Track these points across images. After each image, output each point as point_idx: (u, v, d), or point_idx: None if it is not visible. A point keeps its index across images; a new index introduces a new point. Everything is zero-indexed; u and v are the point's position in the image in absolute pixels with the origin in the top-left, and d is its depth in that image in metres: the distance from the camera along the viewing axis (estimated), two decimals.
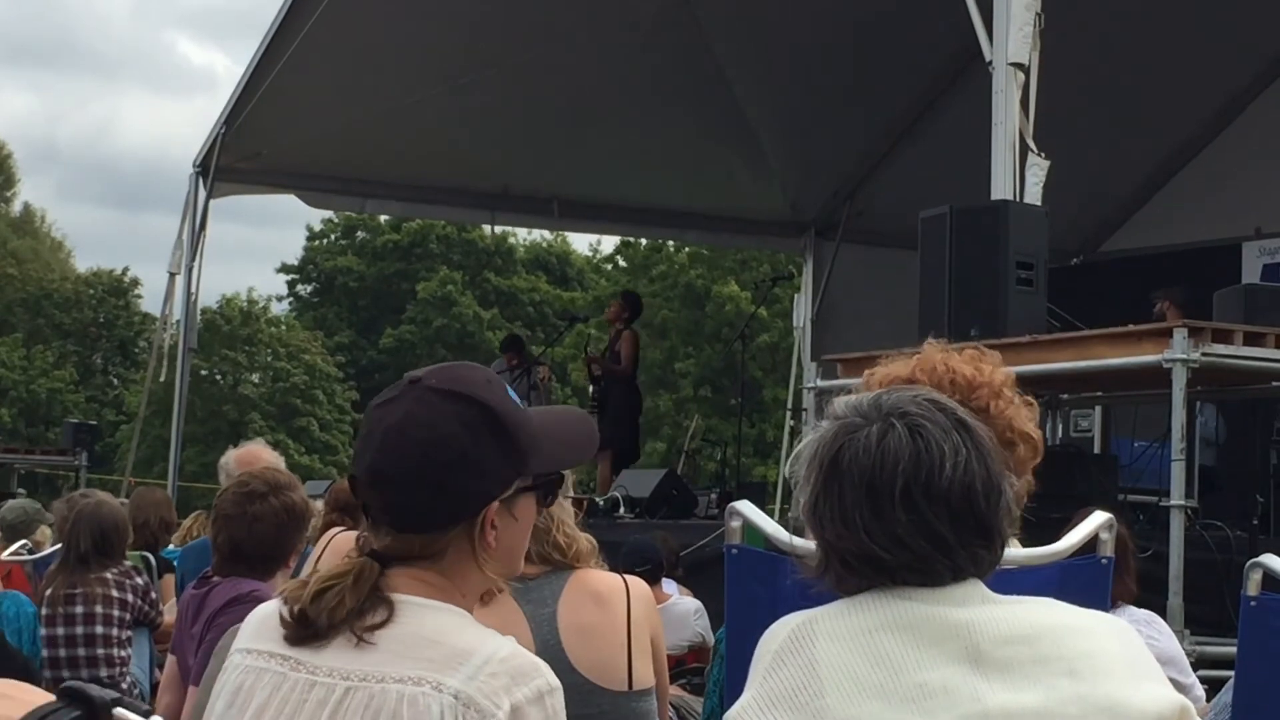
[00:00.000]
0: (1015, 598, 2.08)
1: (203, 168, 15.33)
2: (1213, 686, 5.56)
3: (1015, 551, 2.70)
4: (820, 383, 9.79)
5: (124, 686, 6.68)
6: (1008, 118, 8.51)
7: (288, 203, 17.08)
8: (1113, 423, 11.87)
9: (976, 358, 2.90)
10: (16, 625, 6.71)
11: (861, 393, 2.20)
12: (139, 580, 6.85)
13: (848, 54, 15.11)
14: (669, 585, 9.01)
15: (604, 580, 3.42)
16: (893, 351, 2.93)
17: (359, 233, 52.01)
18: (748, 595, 2.99)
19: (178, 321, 15.62)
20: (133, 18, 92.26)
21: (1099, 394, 10.80)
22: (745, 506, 3.03)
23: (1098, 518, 2.95)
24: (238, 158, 15.33)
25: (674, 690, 7.02)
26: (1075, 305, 10.25)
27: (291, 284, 53.57)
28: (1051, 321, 8.96)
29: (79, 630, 6.67)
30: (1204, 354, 7.60)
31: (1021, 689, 1.97)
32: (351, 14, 14.14)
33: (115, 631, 6.72)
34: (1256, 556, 3.38)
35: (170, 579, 7.75)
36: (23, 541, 8.20)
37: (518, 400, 2.30)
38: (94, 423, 28.15)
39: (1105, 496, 8.46)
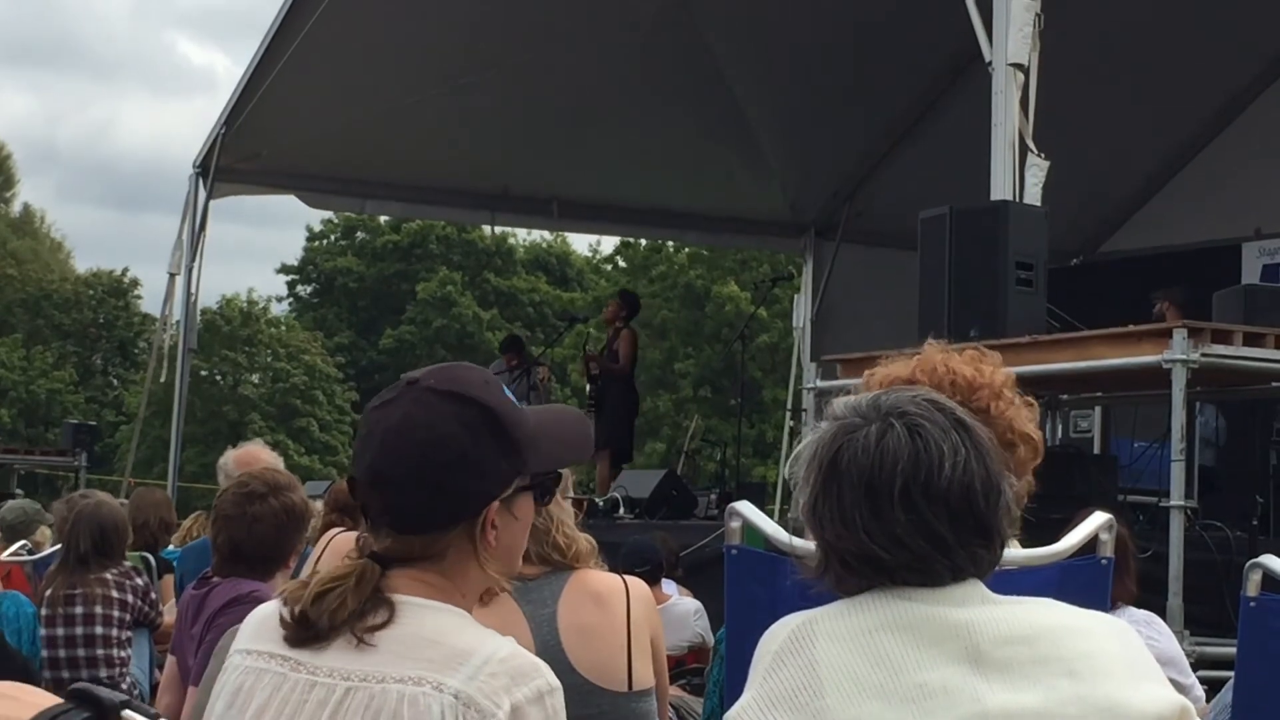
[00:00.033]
0: (1015, 598, 2.08)
1: (202, 168, 15.33)
2: (1212, 687, 5.56)
3: (1015, 552, 2.70)
4: (820, 383, 9.79)
5: (124, 687, 6.67)
6: (1007, 118, 8.52)
7: (287, 203, 17.09)
8: (1112, 423, 11.88)
9: (977, 359, 2.90)
10: (16, 625, 6.71)
11: (861, 393, 2.21)
12: (139, 581, 6.85)
13: (848, 54, 15.11)
14: (669, 586, 9.00)
15: (604, 581, 3.42)
16: (892, 352, 2.93)
17: (359, 233, 52.02)
18: (747, 596, 2.99)
19: (177, 322, 15.62)
20: (133, 18, 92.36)
21: (1099, 394, 10.80)
22: (745, 507, 3.03)
23: (1097, 518, 2.95)
24: (237, 158, 15.32)
25: (674, 691, 7.02)
26: (1075, 306, 10.25)
27: (291, 284, 53.60)
28: (1051, 322, 8.96)
29: (79, 631, 6.67)
30: (1203, 354, 7.60)
31: (1021, 689, 1.97)
32: (351, 14, 14.14)
33: (115, 632, 6.72)
34: (1256, 557, 3.38)
35: (170, 579, 7.75)
36: (22, 542, 8.21)
37: (514, 400, 2.30)
38: (94, 423, 28.14)
39: (1105, 497, 8.46)
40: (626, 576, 3.50)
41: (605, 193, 17.32)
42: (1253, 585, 3.33)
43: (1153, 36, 14.60)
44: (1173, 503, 7.65)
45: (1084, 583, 2.91)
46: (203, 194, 15.36)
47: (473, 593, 2.28)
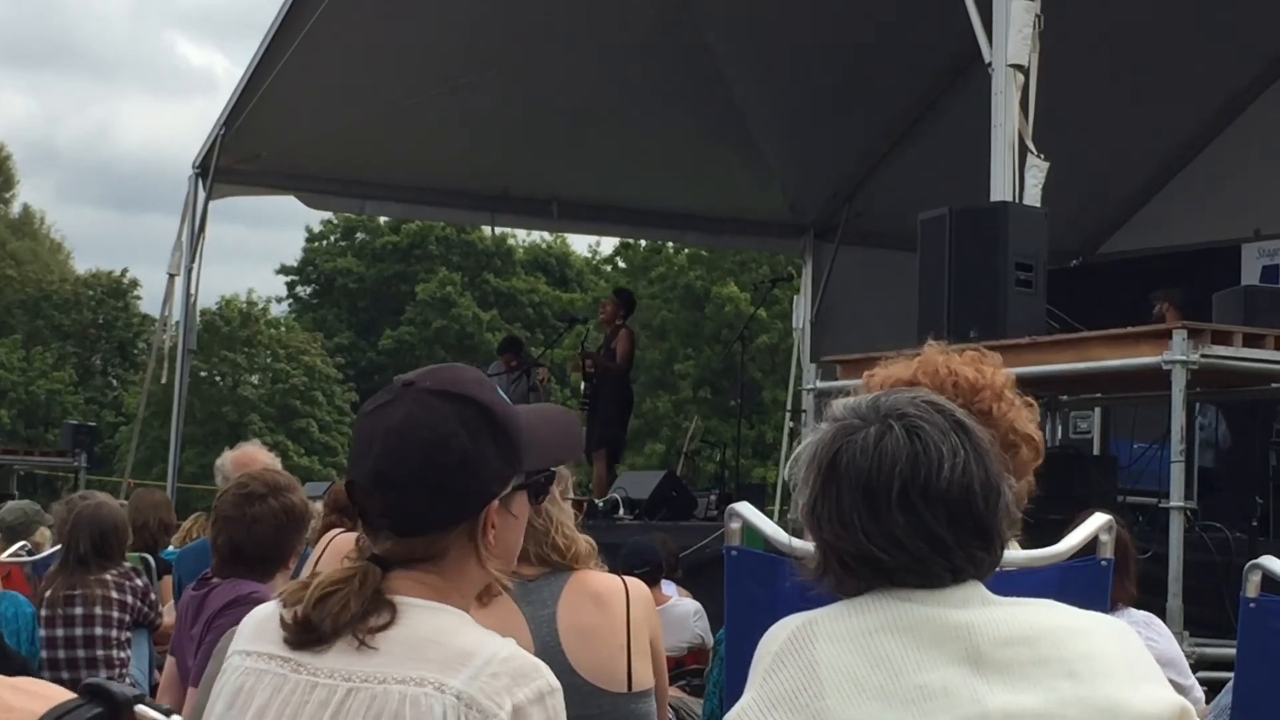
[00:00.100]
0: (1015, 599, 2.08)
1: (202, 169, 15.33)
2: (1212, 688, 5.56)
3: (1015, 553, 2.70)
4: (820, 384, 9.79)
5: None
6: (1007, 119, 8.52)
7: (287, 204, 17.09)
8: (1112, 424, 11.87)
9: (977, 359, 2.90)
10: (15, 626, 6.70)
11: (861, 395, 2.20)
12: (138, 582, 6.84)
13: (848, 54, 15.12)
14: (668, 587, 9.00)
15: (603, 582, 3.42)
16: (892, 353, 2.93)
17: (358, 234, 52.01)
18: (747, 597, 2.99)
19: (177, 323, 15.62)
20: (132, 19, 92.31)
21: (1098, 395, 10.80)
22: (744, 508, 3.03)
23: (1097, 520, 2.95)
24: (237, 159, 15.33)
25: (673, 692, 7.02)
26: (1074, 307, 10.26)
27: (291, 285, 53.59)
28: (1051, 323, 8.97)
29: (78, 631, 6.67)
30: (1203, 355, 7.60)
31: (1021, 690, 1.97)
32: (351, 15, 14.14)
33: (114, 633, 6.72)
34: (1256, 558, 3.38)
35: (169, 580, 7.74)
36: (22, 543, 8.20)
37: (507, 399, 2.32)
38: (93, 424, 28.15)
39: (1105, 498, 8.47)
40: (626, 577, 3.50)
41: (605, 193, 17.32)
42: (1252, 586, 3.33)
43: (1153, 37, 14.60)
44: (1172, 504, 7.65)
45: (1084, 584, 2.91)
46: (202, 195, 15.36)
47: (472, 592, 2.29)
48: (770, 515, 3.09)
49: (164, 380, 15.99)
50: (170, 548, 8.49)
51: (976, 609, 2.03)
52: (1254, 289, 11.24)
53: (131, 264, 58.35)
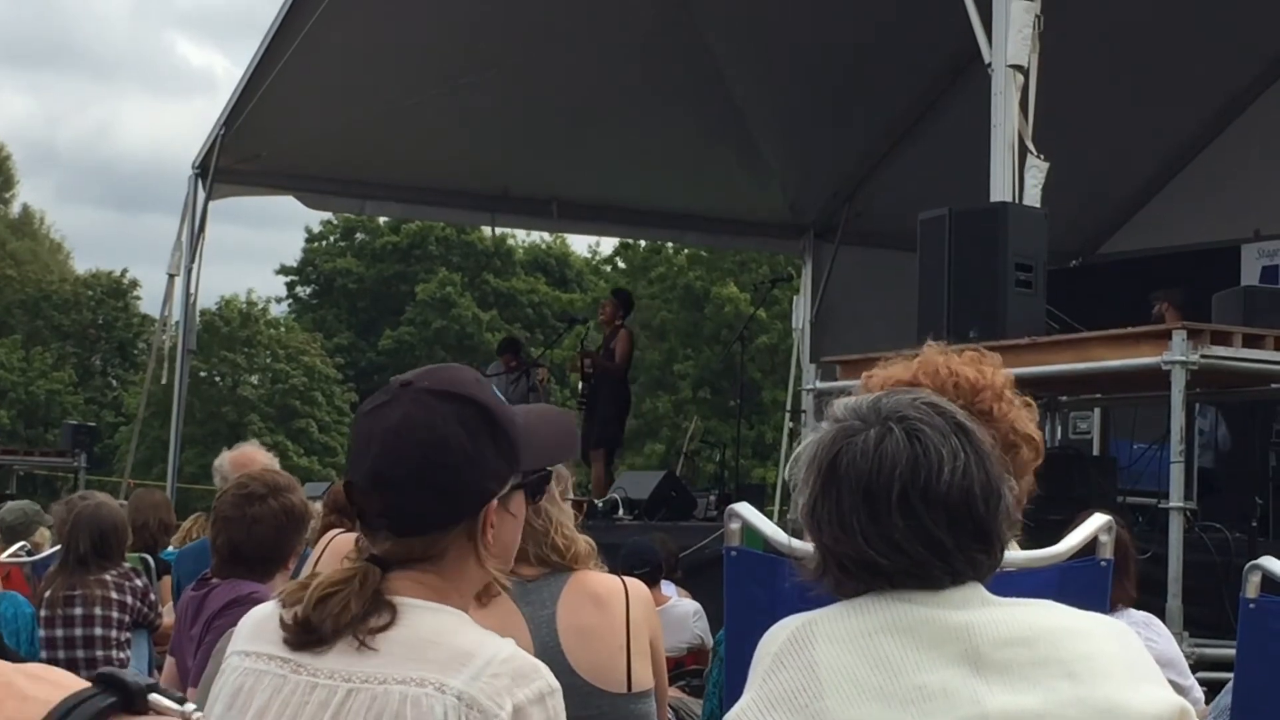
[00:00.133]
0: (1014, 600, 2.08)
1: (202, 169, 15.33)
2: (1212, 689, 5.56)
3: (1015, 554, 2.69)
4: (819, 384, 9.78)
5: None
6: (1007, 119, 8.52)
7: (286, 204, 17.10)
8: (1112, 425, 11.87)
9: (977, 360, 2.89)
10: (14, 627, 6.70)
11: (862, 395, 2.20)
12: (138, 582, 6.84)
13: (847, 55, 15.12)
14: (668, 587, 9.00)
15: (603, 582, 3.42)
16: (890, 354, 2.92)
17: (358, 234, 52.00)
18: (747, 597, 2.99)
19: (177, 323, 15.62)
20: (132, 19, 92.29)
21: (1098, 396, 10.80)
22: (744, 509, 3.03)
23: (1097, 520, 2.95)
24: (237, 159, 15.32)
25: (673, 692, 7.02)
26: (1074, 307, 10.26)
27: (290, 285, 53.58)
28: (1050, 323, 8.96)
29: (78, 632, 6.67)
30: (1203, 356, 7.60)
31: (1021, 691, 1.97)
32: (351, 15, 14.14)
33: (114, 633, 6.72)
34: (1255, 559, 3.38)
35: (169, 581, 7.74)
36: (22, 543, 8.20)
37: (504, 399, 2.32)
38: (93, 424, 28.13)
39: (1104, 499, 8.47)
40: (626, 578, 3.49)
41: (605, 194, 17.32)
42: (1252, 587, 3.33)
43: (1153, 37, 14.60)
44: (1172, 504, 7.65)
45: (1083, 584, 2.90)
46: (202, 195, 15.36)
47: (470, 592, 2.30)
48: (770, 516, 3.08)
49: (164, 380, 15.99)
50: (170, 548, 8.49)
51: (976, 610, 2.03)
52: (1254, 289, 11.24)
53: (131, 264, 58.42)
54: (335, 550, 6.34)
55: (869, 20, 14.58)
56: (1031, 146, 8.54)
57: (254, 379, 48.08)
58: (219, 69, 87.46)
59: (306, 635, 2.18)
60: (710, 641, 8.25)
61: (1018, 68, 8.53)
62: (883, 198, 16.53)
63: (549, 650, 3.18)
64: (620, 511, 13.12)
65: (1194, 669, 6.27)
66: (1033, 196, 8.57)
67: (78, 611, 6.67)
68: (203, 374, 42.96)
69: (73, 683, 0.91)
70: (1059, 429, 11.03)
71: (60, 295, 49.89)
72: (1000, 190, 8.56)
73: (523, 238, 50.47)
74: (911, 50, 14.99)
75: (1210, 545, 8.05)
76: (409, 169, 16.22)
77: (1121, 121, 15.39)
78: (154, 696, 0.90)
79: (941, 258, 8.66)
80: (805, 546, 2.18)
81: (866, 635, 2.00)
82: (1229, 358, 7.79)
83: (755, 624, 2.33)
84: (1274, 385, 8.80)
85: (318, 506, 6.84)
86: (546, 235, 47.06)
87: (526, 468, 2.30)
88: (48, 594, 6.73)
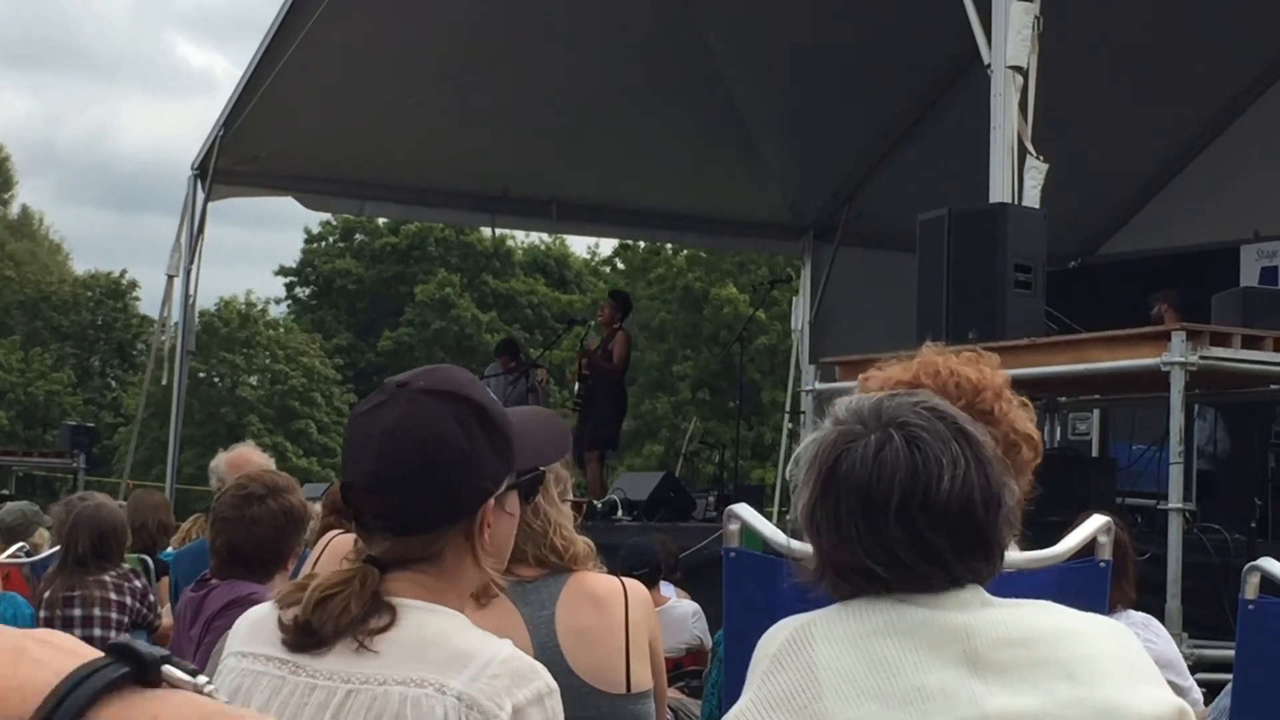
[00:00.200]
0: (1013, 601, 2.08)
1: (201, 170, 15.33)
2: (1211, 690, 5.56)
3: (1014, 555, 2.69)
4: (819, 385, 9.79)
5: None
6: (1006, 121, 8.52)
7: (286, 205, 17.09)
8: (1111, 426, 11.88)
9: (976, 360, 2.89)
10: (13, 627, 6.69)
11: (864, 395, 2.19)
12: (137, 583, 6.84)
13: (847, 55, 15.13)
14: (667, 588, 9.00)
15: (602, 583, 3.42)
16: (888, 355, 2.92)
17: (357, 235, 51.99)
18: (746, 598, 2.99)
19: (176, 324, 15.63)
20: (131, 19, 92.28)
21: (1097, 397, 10.81)
22: (743, 509, 3.03)
23: (1096, 521, 2.95)
24: (236, 160, 15.32)
25: (672, 693, 7.02)
26: (1073, 308, 10.25)
27: (290, 286, 53.57)
28: (1049, 324, 8.97)
29: (77, 633, 6.65)
30: (1202, 357, 7.61)
31: (1020, 692, 1.97)
32: (351, 15, 14.14)
33: (113, 634, 6.71)
34: (1255, 560, 3.38)
35: (167, 582, 7.74)
36: (21, 544, 8.19)
37: (497, 400, 2.34)
38: (92, 425, 28.11)
39: (1103, 500, 8.47)
40: (625, 579, 3.49)
41: (604, 194, 17.33)
42: (1251, 588, 3.33)
43: (1152, 38, 14.61)
44: (1171, 505, 7.66)
45: (1083, 585, 2.90)
46: (201, 196, 15.36)
47: (467, 592, 2.31)
48: (769, 516, 3.09)
49: (163, 381, 15.99)
50: (169, 549, 8.49)
51: (975, 611, 2.03)
52: (1253, 290, 11.24)
53: (130, 265, 58.37)
54: (334, 551, 6.33)
55: (869, 21, 14.59)
56: (1031, 147, 8.55)
57: (253, 380, 48.07)
58: (219, 69, 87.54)
59: (306, 637, 2.18)
60: (709, 642, 8.25)
61: (1017, 69, 8.53)
62: (882, 198, 16.53)
63: (548, 651, 3.18)
64: (619, 512, 13.13)
65: (1193, 670, 6.26)
66: (1032, 197, 8.58)
67: (77, 612, 6.67)
68: (202, 375, 42.96)
69: (85, 651, 0.91)
70: (1058, 430, 11.04)
71: (59, 296, 49.87)
72: (999, 191, 8.56)
73: (522, 239, 50.52)
74: (911, 51, 14.99)
75: (1209, 546, 8.06)
76: (408, 170, 16.22)
77: (1121, 122, 15.39)
78: (167, 668, 0.90)
79: (941, 259, 8.66)
80: (804, 547, 2.18)
81: (865, 636, 2.00)
82: (1228, 359, 7.79)
83: (754, 625, 2.33)
84: (1273, 386, 8.81)
85: (317, 507, 6.83)
86: (546, 236, 47.07)
87: (520, 468, 2.31)
88: (47, 595, 6.73)
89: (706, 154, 16.23)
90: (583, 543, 3.43)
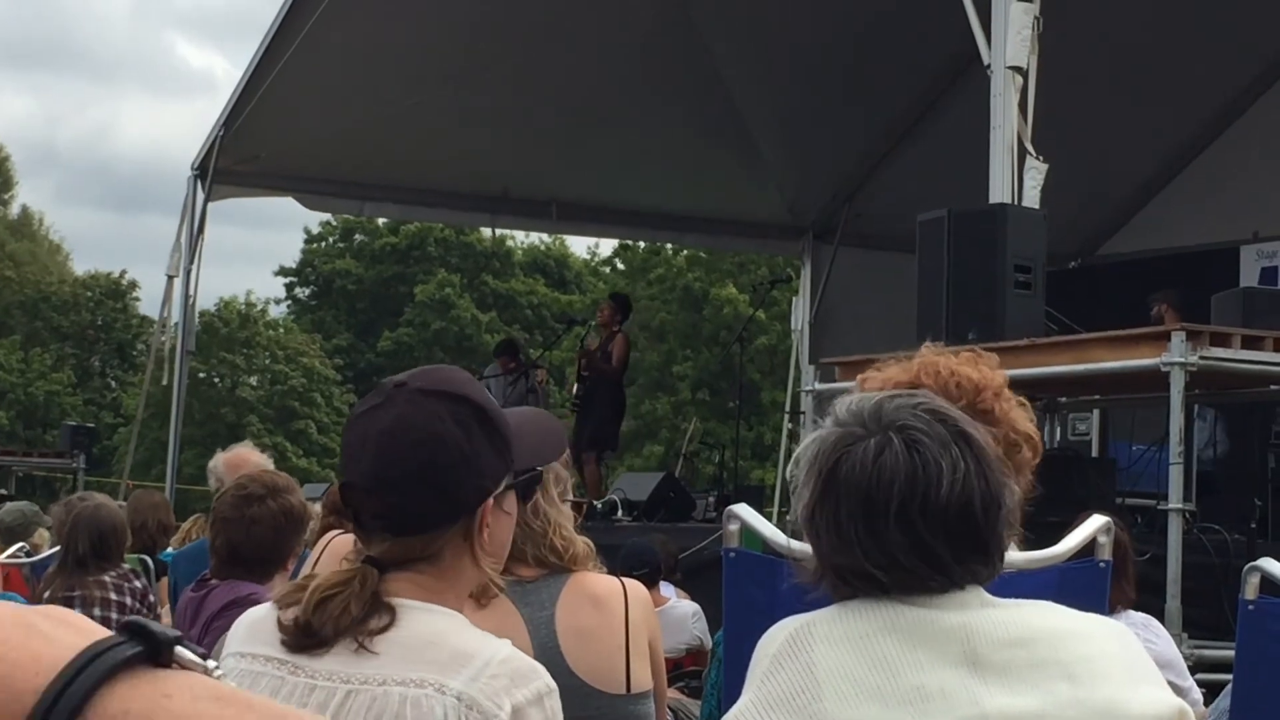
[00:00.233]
0: (1013, 601, 2.08)
1: (201, 170, 15.33)
2: (1211, 690, 5.56)
3: (1014, 555, 2.69)
4: (818, 385, 9.79)
5: None
6: (1006, 121, 8.52)
7: (286, 205, 17.09)
8: (1111, 426, 11.88)
9: (974, 360, 2.89)
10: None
11: (866, 395, 2.19)
12: (137, 583, 6.83)
13: (847, 55, 15.13)
14: (667, 588, 9.00)
15: (602, 583, 3.42)
16: (886, 356, 2.92)
17: (357, 235, 51.99)
18: (745, 598, 2.99)
19: (176, 324, 15.63)
20: (131, 20, 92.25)
21: (1097, 397, 10.80)
22: (743, 510, 3.02)
23: (1096, 521, 2.95)
24: (236, 160, 15.32)
25: (672, 693, 7.02)
26: (1073, 308, 10.26)
27: (289, 287, 53.56)
28: (1049, 325, 8.97)
29: None
30: (1202, 357, 7.61)
31: (1019, 692, 1.97)
32: (350, 16, 14.14)
33: None
34: (1255, 560, 3.38)
35: (167, 582, 7.74)
36: (21, 544, 8.19)
37: (493, 399, 2.34)
38: (92, 425, 28.09)
39: (1103, 500, 8.47)
40: (625, 579, 3.49)
41: (604, 195, 17.33)
42: (1251, 588, 3.33)
43: (1152, 39, 14.61)
44: (1171, 506, 7.66)
45: (1082, 586, 2.90)
46: (201, 196, 15.36)
47: (466, 591, 2.32)
48: (769, 517, 3.09)
49: (163, 382, 15.99)
50: (169, 549, 8.49)
51: (975, 611, 2.02)
52: (1252, 291, 11.24)
53: (130, 265, 58.35)
54: (334, 551, 6.33)
55: (868, 21, 14.59)
56: (1030, 148, 8.55)
57: (253, 380, 48.06)
58: (219, 70, 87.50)
59: (306, 638, 2.18)
60: (709, 643, 8.25)
61: (1017, 69, 8.53)
62: (882, 199, 16.53)
63: (548, 651, 3.18)
64: (619, 513, 13.13)
65: (1193, 671, 6.26)
66: (1032, 198, 8.58)
67: (76, 613, 6.66)
68: (202, 375, 42.95)
69: (96, 629, 0.91)
70: (1058, 430, 11.04)
71: (59, 296, 49.87)
72: (999, 192, 8.56)
73: (522, 239, 50.52)
74: (911, 51, 14.99)
75: (1209, 547, 8.06)
76: (408, 170, 16.22)
77: (1121, 122, 15.39)
78: (179, 649, 0.90)
79: (940, 259, 8.66)
80: (804, 548, 2.18)
81: (865, 636, 2.00)
82: (1228, 359, 7.79)
83: (754, 625, 2.33)
84: (1273, 387, 8.81)
85: (316, 508, 6.83)
86: (545, 236, 47.09)
87: (517, 467, 2.32)
88: (46, 595, 6.72)
89: (706, 154, 16.23)
90: (582, 543, 3.43)
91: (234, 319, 47.82)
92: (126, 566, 6.90)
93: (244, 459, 6.52)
